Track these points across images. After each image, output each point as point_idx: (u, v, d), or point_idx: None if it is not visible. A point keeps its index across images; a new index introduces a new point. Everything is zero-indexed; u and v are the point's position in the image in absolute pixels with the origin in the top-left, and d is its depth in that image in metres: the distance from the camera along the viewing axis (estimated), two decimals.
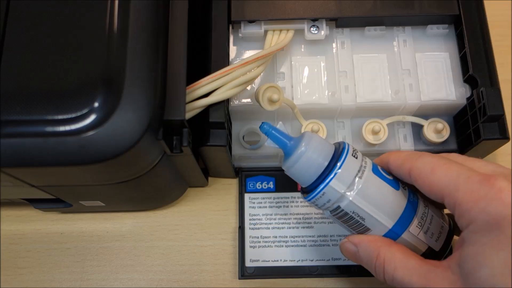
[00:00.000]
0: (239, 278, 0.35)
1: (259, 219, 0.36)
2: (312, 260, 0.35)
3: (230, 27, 0.34)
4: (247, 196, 0.37)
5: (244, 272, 0.35)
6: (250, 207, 0.37)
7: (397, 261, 0.24)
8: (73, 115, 0.23)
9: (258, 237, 0.36)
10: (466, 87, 0.33)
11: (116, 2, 0.25)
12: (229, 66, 0.30)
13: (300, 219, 0.36)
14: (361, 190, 0.26)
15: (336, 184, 0.26)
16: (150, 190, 0.33)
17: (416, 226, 0.26)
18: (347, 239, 0.27)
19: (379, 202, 0.26)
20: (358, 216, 0.26)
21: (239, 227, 0.36)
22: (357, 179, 0.26)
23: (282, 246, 0.35)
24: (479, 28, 0.33)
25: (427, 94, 0.33)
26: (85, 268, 0.36)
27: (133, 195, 0.33)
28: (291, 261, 0.35)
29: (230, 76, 0.30)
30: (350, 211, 0.26)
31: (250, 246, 0.35)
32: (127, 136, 0.24)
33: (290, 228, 0.36)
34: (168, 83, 0.26)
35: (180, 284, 0.36)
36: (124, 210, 0.38)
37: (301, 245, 0.35)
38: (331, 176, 0.26)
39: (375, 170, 0.27)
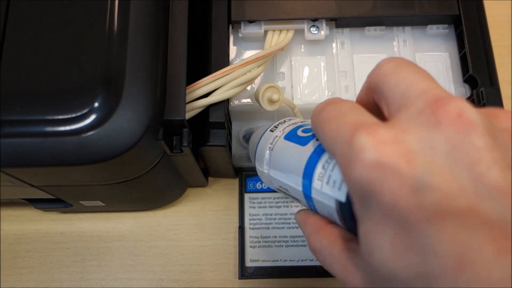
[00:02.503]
0: (239, 278, 0.35)
1: (259, 219, 0.36)
2: (312, 260, 0.35)
3: (230, 27, 0.34)
4: (247, 196, 0.37)
5: (244, 272, 0.35)
6: (250, 207, 0.37)
7: (324, 250, 0.20)
8: (73, 115, 0.23)
9: (258, 237, 0.36)
10: (466, 87, 0.33)
11: (116, 2, 0.25)
12: (229, 66, 0.30)
13: None
14: (273, 162, 0.25)
15: (258, 164, 0.26)
16: (150, 190, 0.33)
17: (318, 180, 0.21)
18: (300, 213, 0.24)
19: (287, 168, 0.23)
20: (284, 189, 0.24)
21: (239, 227, 0.36)
22: (268, 152, 0.25)
23: (282, 246, 0.35)
24: (479, 28, 0.33)
25: None
26: (85, 268, 0.36)
27: (133, 195, 0.33)
28: (291, 261, 0.35)
29: (230, 76, 0.30)
30: (279, 187, 0.25)
31: (250, 246, 0.35)
32: (127, 136, 0.24)
33: (290, 228, 0.36)
34: (168, 83, 0.26)
35: (180, 284, 0.36)
36: (124, 210, 0.38)
37: (301, 245, 0.35)
38: (254, 159, 0.26)
39: (289, 136, 0.24)
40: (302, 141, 0.23)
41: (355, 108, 0.18)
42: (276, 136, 0.25)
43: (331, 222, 0.21)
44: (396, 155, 0.14)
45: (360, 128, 0.16)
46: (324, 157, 0.21)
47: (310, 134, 0.23)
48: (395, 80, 0.17)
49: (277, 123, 0.26)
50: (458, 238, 0.13)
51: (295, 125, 0.25)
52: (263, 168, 0.26)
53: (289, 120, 0.26)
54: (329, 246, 0.20)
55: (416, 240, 0.14)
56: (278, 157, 0.24)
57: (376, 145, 0.15)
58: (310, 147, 0.22)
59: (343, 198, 0.19)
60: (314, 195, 0.21)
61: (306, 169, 0.22)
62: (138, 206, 0.37)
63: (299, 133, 0.24)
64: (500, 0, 0.43)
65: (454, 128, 0.14)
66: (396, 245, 0.14)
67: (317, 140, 0.22)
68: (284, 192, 0.25)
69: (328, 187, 0.20)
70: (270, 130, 0.26)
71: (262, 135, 0.26)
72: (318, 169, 0.21)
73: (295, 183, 0.22)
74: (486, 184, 0.13)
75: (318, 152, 0.21)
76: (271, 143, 0.25)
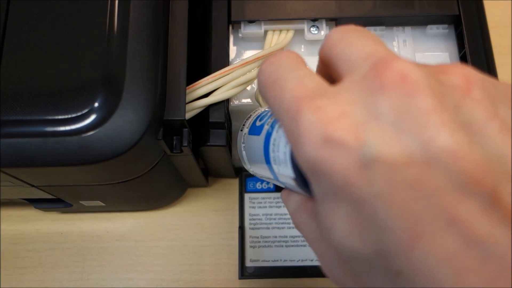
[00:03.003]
0: (239, 278, 0.35)
1: (259, 219, 0.36)
2: (312, 260, 0.35)
3: (230, 27, 0.34)
4: (247, 196, 0.37)
5: (244, 272, 0.35)
6: (250, 207, 0.37)
7: (304, 225, 0.19)
8: (73, 115, 0.23)
9: (258, 237, 0.36)
10: None
11: (116, 2, 0.25)
12: (229, 66, 0.30)
13: None
14: (249, 159, 0.25)
15: (243, 164, 0.26)
16: (150, 190, 0.33)
17: (274, 164, 0.21)
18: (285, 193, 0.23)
19: (257, 161, 0.23)
20: (271, 179, 0.24)
21: (239, 227, 0.36)
22: (243, 152, 0.25)
23: (282, 246, 0.35)
24: (479, 28, 0.33)
25: None
26: (85, 268, 0.36)
27: (133, 195, 0.33)
28: (291, 261, 0.35)
29: (230, 76, 0.30)
30: (265, 180, 0.25)
31: (250, 246, 0.35)
32: (127, 136, 0.24)
33: (290, 228, 0.36)
34: (168, 83, 0.26)
35: (180, 284, 0.36)
36: (124, 210, 0.38)
37: (301, 245, 0.35)
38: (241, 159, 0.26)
39: (250, 129, 0.24)
40: (258, 131, 0.23)
41: (295, 67, 0.17)
42: (244, 133, 0.25)
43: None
44: (344, 131, 0.13)
45: (304, 102, 0.15)
46: (272, 140, 0.21)
47: (264, 121, 0.23)
48: (342, 47, 0.16)
49: (245, 120, 0.27)
50: (409, 211, 0.12)
51: (256, 116, 0.25)
52: (247, 167, 0.26)
53: (254, 112, 0.26)
54: (308, 221, 0.19)
55: (369, 217, 0.13)
56: (249, 154, 0.24)
57: (323, 123, 0.14)
58: (263, 134, 0.22)
59: (292, 174, 0.19)
60: (280, 178, 0.21)
61: (265, 157, 0.22)
62: (138, 206, 0.37)
63: (257, 123, 0.24)
64: (500, 0, 0.43)
65: (399, 92, 0.13)
66: (352, 224, 0.14)
67: (267, 124, 0.22)
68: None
69: (281, 168, 0.20)
70: (240, 130, 0.26)
71: (238, 137, 0.27)
72: (271, 154, 0.21)
73: (268, 173, 0.22)
74: (435, 149, 0.12)
75: (268, 136, 0.21)
76: (243, 142, 0.25)
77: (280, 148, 0.20)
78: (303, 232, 0.19)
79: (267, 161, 0.22)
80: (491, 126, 0.13)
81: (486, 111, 0.13)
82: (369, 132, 0.13)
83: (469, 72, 0.14)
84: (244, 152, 0.25)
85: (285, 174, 0.20)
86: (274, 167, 0.21)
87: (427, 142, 0.13)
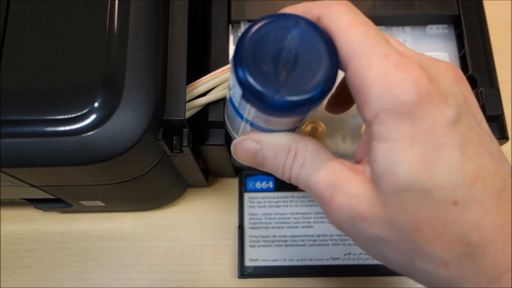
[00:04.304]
0: (238, 278, 0.35)
1: (258, 219, 0.36)
2: (311, 260, 0.35)
3: (230, 27, 0.34)
4: (246, 195, 0.37)
5: (244, 272, 0.35)
6: (249, 206, 0.37)
7: (308, 153, 0.20)
8: (73, 115, 0.23)
9: (257, 237, 0.36)
10: None
11: (116, 2, 0.25)
12: (229, 64, 0.30)
13: (299, 218, 0.36)
14: (231, 125, 0.25)
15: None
16: (150, 190, 0.33)
17: (236, 103, 0.21)
18: (247, 136, 0.22)
19: (233, 119, 0.23)
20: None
21: (239, 226, 0.36)
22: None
23: (282, 245, 0.35)
24: (478, 28, 0.33)
25: None
26: (85, 268, 0.36)
27: (133, 195, 0.33)
28: (290, 260, 0.35)
29: (229, 74, 0.30)
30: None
31: (250, 246, 0.35)
32: (127, 136, 0.24)
33: (289, 227, 0.36)
34: (168, 83, 0.26)
35: (180, 284, 0.36)
36: (124, 210, 0.38)
37: (301, 245, 0.35)
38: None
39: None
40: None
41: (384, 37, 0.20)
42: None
43: None
44: (438, 93, 0.18)
45: (412, 59, 0.18)
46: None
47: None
48: (370, 41, 0.19)
49: None
50: (479, 160, 0.18)
51: None
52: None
53: None
54: (315, 151, 0.20)
55: (445, 157, 0.17)
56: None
57: (429, 78, 0.18)
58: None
59: (240, 90, 0.20)
60: (250, 118, 0.21)
61: (232, 105, 0.22)
62: (138, 206, 0.38)
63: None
64: (500, 0, 0.43)
65: (464, 86, 0.21)
66: (423, 161, 0.17)
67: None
68: None
69: (235, 96, 0.21)
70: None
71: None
72: (232, 95, 0.22)
73: (241, 124, 0.22)
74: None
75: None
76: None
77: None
78: (304, 156, 0.20)
79: (234, 108, 0.22)
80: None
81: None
82: (452, 101, 0.18)
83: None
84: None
85: (237, 97, 0.20)
86: (236, 104, 0.21)
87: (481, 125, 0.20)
